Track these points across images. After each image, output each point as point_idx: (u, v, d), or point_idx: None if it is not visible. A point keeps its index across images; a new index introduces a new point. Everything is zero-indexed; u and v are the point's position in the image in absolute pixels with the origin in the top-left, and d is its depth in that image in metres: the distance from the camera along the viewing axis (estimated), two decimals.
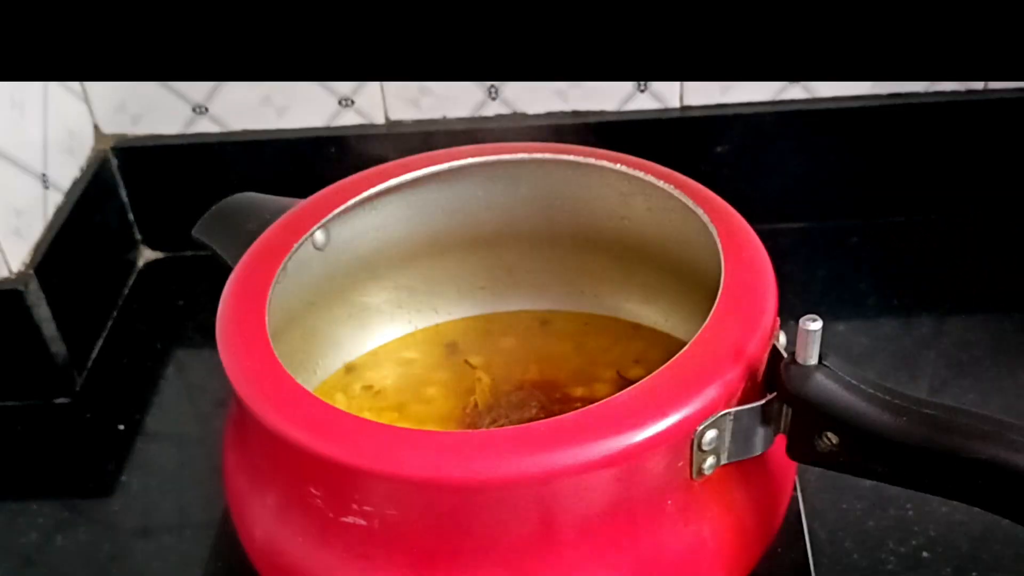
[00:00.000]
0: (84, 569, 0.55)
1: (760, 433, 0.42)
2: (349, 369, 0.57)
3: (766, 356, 0.42)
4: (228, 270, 0.48)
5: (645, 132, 0.69)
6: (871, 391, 0.40)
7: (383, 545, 0.40)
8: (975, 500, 0.39)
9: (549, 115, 0.69)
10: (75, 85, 0.69)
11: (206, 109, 0.70)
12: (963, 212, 0.71)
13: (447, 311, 0.59)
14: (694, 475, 0.41)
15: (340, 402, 0.54)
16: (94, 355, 0.68)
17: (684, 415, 0.39)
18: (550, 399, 0.53)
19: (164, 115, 0.71)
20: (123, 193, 0.73)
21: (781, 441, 0.43)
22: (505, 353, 0.57)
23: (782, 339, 0.44)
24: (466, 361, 0.56)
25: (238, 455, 0.46)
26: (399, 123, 0.70)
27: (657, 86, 0.68)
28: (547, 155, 0.52)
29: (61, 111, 0.67)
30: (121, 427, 0.63)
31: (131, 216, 0.74)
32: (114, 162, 0.72)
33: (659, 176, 0.50)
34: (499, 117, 0.70)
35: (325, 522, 0.41)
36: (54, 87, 0.67)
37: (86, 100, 0.70)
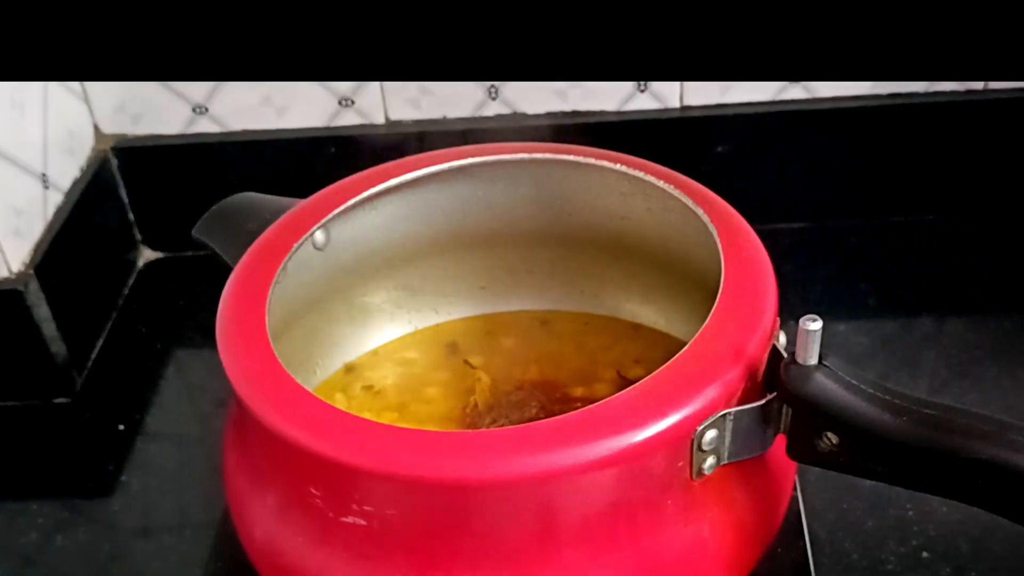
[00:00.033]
0: (84, 569, 0.55)
1: (760, 433, 0.42)
2: (349, 369, 0.57)
3: (766, 356, 0.42)
4: (228, 270, 0.48)
5: (645, 132, 0.69)
6: (871, 391, 0.40)
7: (383, 545, 0.40)
8: (975, 500, 0.39)
9: (549, 115, 0.69)
10: (75, 85, 0.69)
11: (206, 109, 0.70)
12: (963, 212, 0.71)
13: (447, 311, 0.59)
14: (694, 475, 0.41)
15: (340, 402, 0.54)
16: (94, 355, 0.68)
17: (684, 415, 0.39)
18: (550, 399, 0.53)
19: (164, 115, 0.71)
20: (123, 193, 0.73)
21: (781, 441, 0.43)
22: (505, 353, 0.57)
23: (782, 339, 0.44)
24: (466, 361, 0.56)
25: (238, 455, 0.46)
26: (399, 123, 0.70)
27: (657, 86, 0.68)
28: (547, 155, 0.52)
29: (61, 111, 0.67)
30: (121, 427, 0.63)
31: (131, 216, 0.74)
32: (114, 162, 0.72)
33: (659, 176, 0.50)
34: (499, 117, 0.70)
35: (325, 522, 0.41)
36: (54, 87, 0.67)
37: (86, 100, 0.70)
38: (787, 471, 0.46)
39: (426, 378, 0.56)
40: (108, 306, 0.71)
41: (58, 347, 0.64)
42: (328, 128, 0.71)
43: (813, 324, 0.39)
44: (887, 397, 0.39)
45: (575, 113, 0.69)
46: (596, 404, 0.39)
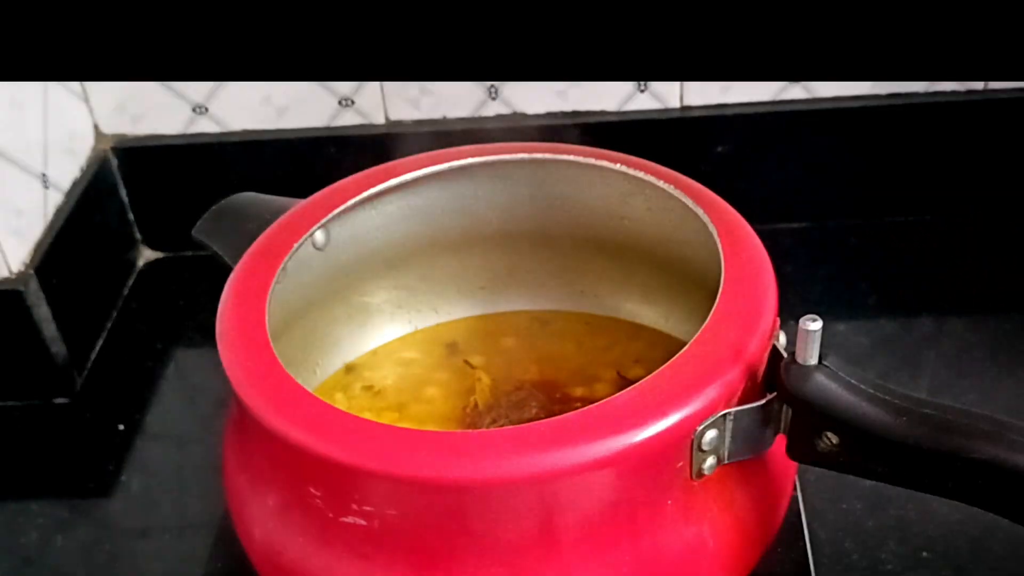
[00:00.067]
0: (84, 569, 0.55)
1: (760, 433, 0.42)
2: (349, 369, 0.57)
3: (766, 356, 0.42)
4: (228, 270, 0.48)
5: (645, 132, 0.69)
6: (871, 391, 0.40)
7: (383, 545, 0.40)
8: (975, 500, 0.39)
9: (549, 115, 0.69)
10: (75, 85, 0.69)
11: (206, 109, 0.70)
12: (963, 212, 0.71)
13: (447, 311, 0.59)
14: (694, 475, 0.41)
15: (340, 402, 0.54)
16: (94, 355, 0.68)
17: (684, 415, 0.39)
18: (550, 399, 0.53)
19: (164, 115, 0.71)
20: (123, 193, 0.73)
21: (781, 441, 0.43)
22: (505, 353, 0.57)
23: (782, 339, 0.44)
24: (466, 361, 0.56)
25: (238, 455, 0.46)
26: (399, 123, 0.70)
27: (657, 86, 0.68)
28: (547, 155, 0.52)
29: (61, 111, 0.67)
30: (121, 427, 0.63)
31: (131, 216, 0.74)
32: (114, 162, 0.72)
33: (659, 176, 0.50)
34: (499, 117, 0.70)
35: (325, 522, 0.41)
36: (54, 87, 0.67)
37: (86, 100, 0.70)
38: (787, 471, 0.46)
39: (426, 378, 0.56)
40: (108, 306, 0.71)
41: (58, 347, 0.64)
42: (328, 128, 0.71)
43: (813, 324, 0.39)
44: (887, 397, 0.39)
45: (575, 113, 0.69)
46: (596, 404, 0.39)
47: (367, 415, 0.52)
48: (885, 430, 0.39)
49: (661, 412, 0.39)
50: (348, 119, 0.70)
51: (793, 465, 0.45)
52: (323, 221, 0.50)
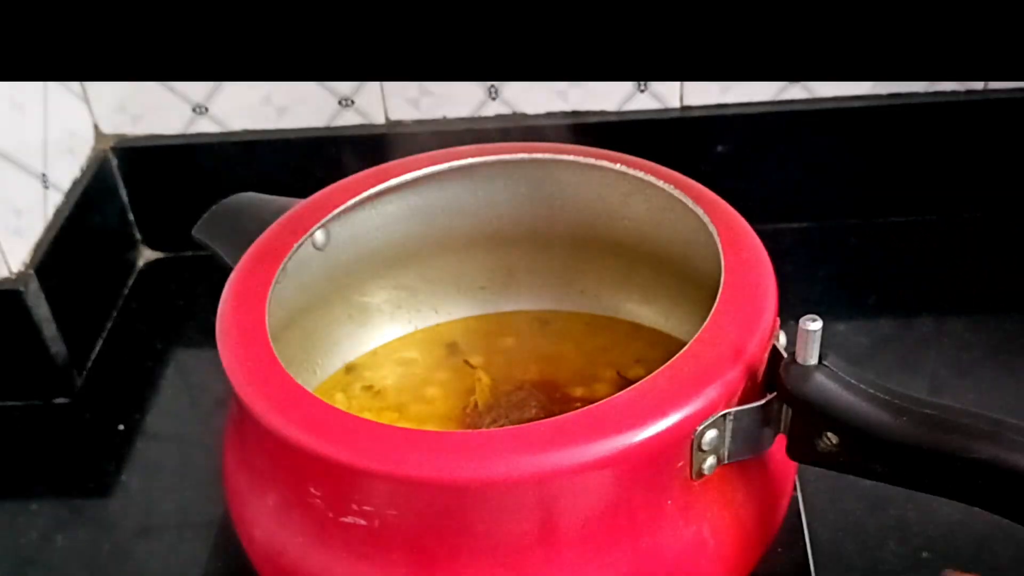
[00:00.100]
0: (84, 569, 0.55)
1: (760, 433, 0.42)
2: (349, 369, 0.57)
3: (766, 356, 0.42)
4: (228, 270, 0.48)
5: (645, 132, 0.69)
6: (871, 391, 0.40)
7: (383, 545, 0.40)
8: (975, 500, 0.39)
9: (549, 115, 0.69)
10: (75, 85, 0.69)
11: (206, 109, 0.70)
12: (963, 212, 0.71)
13: (447, 311, 0.59)
14: (694, 475, 0.41)
15: (340, 402, 0.54)
16: (94, 355, 0.68)
17: (684, 415, 0.39)
18: (550, 399, 0.53)
19: (164, 115, 0.71)
20: (123, 193, 0.73)
21: (781, 441, 0.43)
22: (505, 353, 0.57)
23: (782, 339, 0.44)
24: (466, 361, 0.56)
25: (238, 455, 0.46)
26: (399, 123, 0.70)
27: (657, 86, 0.68)
28: (547, 155, 0.52)
29: (61, 111, 0.67)
30: (121, 427, 0.63)
31: (131, 216, 0.74)
32: (114, 162, 0.72)
33: (659, 176, 0.50)
34: (499, 117, 0.70)
35: (325, 522, 0.41)
36: (54, 87, 0.67)
37: (86, 100, 0.70)
38: (787, 471, 0.46)
39: (426, 378, 0.56)
40: (108, 306, 0.71)
41: (58, 347, 0.64)
42: (328, 128, 0.71)
43: (813, 324, 0.39)
44: (887, 397, 0.39)
45: (575, 113, 0.69)
46: (596, 404, 0.39)
47: (367, 415, 0.52)
48: (885, 430, 0.39)
49: (661, 412, 0.39)
50: (348, 119, 0.70)
51: (793, 465, 0.45)
52: (323, 221, 0.50)
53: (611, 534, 0.40)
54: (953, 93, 0.68)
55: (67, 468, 0.61)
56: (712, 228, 0.47)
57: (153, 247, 0.76)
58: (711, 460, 0.41)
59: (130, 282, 0.73)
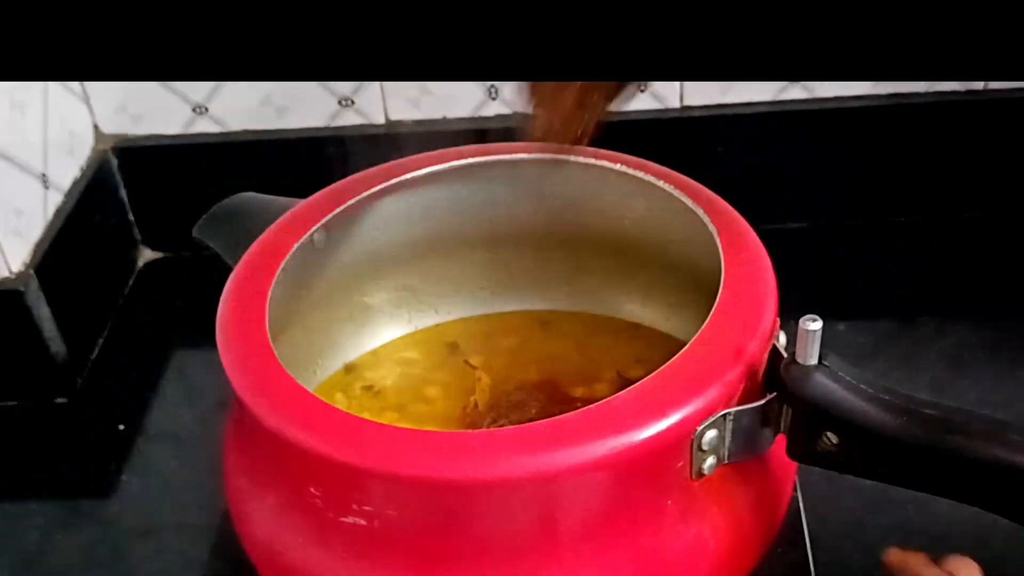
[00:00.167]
0: (84, 569, 0.55)
1: (760, 433, 0.42)
2: (349, 369, 0.57)
3: (766, 356, 0.42)
4: (228, 270, 0.49)
5: (645, 132, 0.69)
6: (871, 391, 0.40)
7: (383, 545, 0.40)
8: (975, 500, 0.39)
9: None
10: (75, 85, 0.69)
11: (206, 109, 0.70)
12: (963, 212, 0.71)
13: (447, 311, 0.59)
14: (694, 475, 0.41)
15: (340, 402, 0.54)
16: (94, 355, 0.68)
17: (684, 415, 0.39)
18: (550, 399, 0.53)
19: (164, 115, 0.71)
20: (123, 193, 0.73)
21: (781, 441, 0.43)
22: (505, 353, 0.57)
23: (782, 339, 0.44)
24: (466, 361, 0.56)
25: (238, 455, 0.46)
26: (399, 123, 0.70)
27: (657, 86, 0.68)
28: (547, 155, 0.52)
29: (61, 111, 0.67)
30: (121, 427, 0.63)
31: (131, 216, 0.74)
32: (114, 162, 0.72)
33: (659, 176, 0.50)
34: (499, 117, 0.70)
35: (325, 522, 0.41)
36: (54, 87, 0.67)
37: (86, 100, 0.70)
38: (787, 471, 0.46)
39: (426, 378, 0.56)
40: (108, 306, 0.71)
41: (58, 347, 0.64)
42: (328, 128, 0.71)
43: (813, 324, 0.39)
44: (887, 397, 0.39)
45: None
46: (596, 404, 0.39)
47: (367, 415, 0.52)
48: (885, 430, 0.39)
49: (661, 412, 0.39)
50: (348, 119, 0.70)
51: (793, 465, 0.45)
52: (323, 221, 0.50)
53: (611, 534, 0.40)
54: (953, 93, 0.68)
55: (67, 468, 0.61)
56: (712, 228, 0.47)
57: (153, 247, 0.76)
58: (711, 460, 0.41)
59: (130, 282, 0.73)
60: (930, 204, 0.71)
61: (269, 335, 0.44)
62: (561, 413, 0.39)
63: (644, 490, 0.40)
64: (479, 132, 0.69)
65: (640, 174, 0.51)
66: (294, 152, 0.71)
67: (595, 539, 0.40)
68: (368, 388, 0.55)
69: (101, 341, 0.69)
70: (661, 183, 0.50)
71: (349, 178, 0.53)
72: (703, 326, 0.42)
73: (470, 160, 0.53)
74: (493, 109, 0.69)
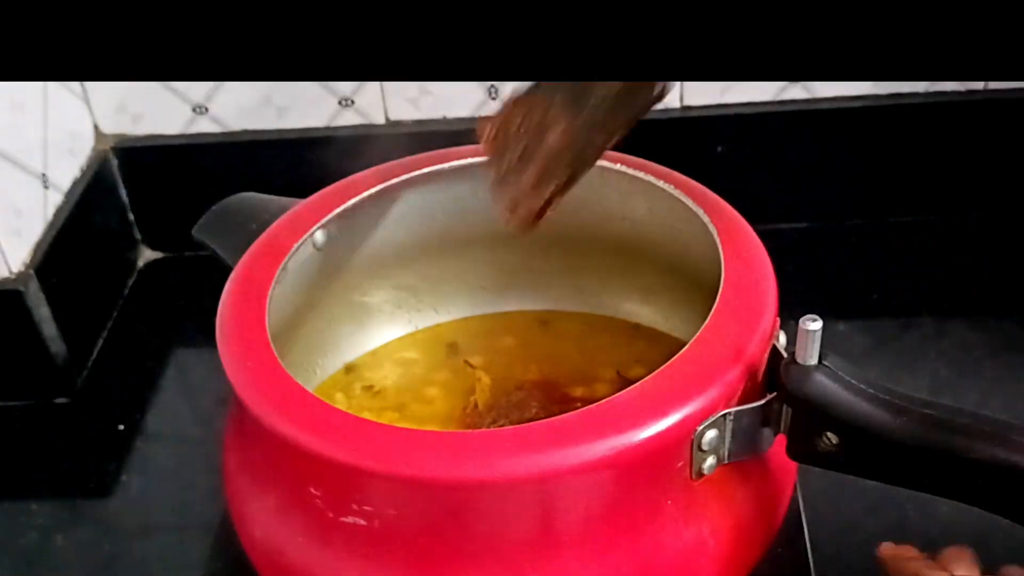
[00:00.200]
0: (84, 569, 0.55)
1: (760, 433, 0.42)
2: (349, 369, 0.57)
3: (766, 356, 0.42)
4: (228, 270, 0.49)
5: (645, 132, 0.69)
6: (871, 391, 0.40)
7: (383, 545, 0.40)
8: (975, 500, 0.39)
9: None
10: (75, 85, 0.69)
11: (206, 109, 0.70)
12: (963, 212, 0.71)
13: (447, 311, 0.59)
14: (694, 475, 0.41)
15: (340, 402, 0.54)
16: (94, 355, 0.68)
17: (684, 415, 0.39)
18: (550, 399, 0.53)
19: (164, 115, 0.71)
20: (123, 193, 0.73)
21: (781, 441, 0.43)
22: (505, 353, 0.57)
23: (782, 339, 0.44)
24: (466, 361, 0.56)
25: (238, 455, 0.46)
26: (399, 123, 0.70)
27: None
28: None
29: (61, 111, 0.67)
30: (121, 427, 0.63)
31: (131, 216, 0.74)
32: (114, 162, 0.72)
33: (659, 176, 0.50)
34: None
35: (325, 522, 0.41)
36: (54, 87, 0.67)
37: (86, 100, 0.70)
38: (787, 471, 0.46)
39: (426, 378, 0.56)
40: (108, 306, 0.71)
41: (58, 347, 0.64)
42: (328, 128, 0.71)
43: (813, 324, 0.39)
44: (887, 397, 0.39)
45: None
46: (596, 404, 0.39)
47: (367, 415, 0.52)
48: (885, 430, 0.39)
49: (661, 412, 0.39)
50: (348, 119, 0.70)
51: (793, 465, 0.45)
52: (323, 221, 0.50)
53: (611, 534, 0.40)
54: (953, 93, 0.68)
55: (67, 468, 0.61)
56: (712, 228, 0.47)
57: (153, 247, 0.76)
58: (711, 460, 0.41)
59: (130, 282, 0.73)
60: (930, 204, 0.71)
61: (269, 335, 0.44)
62: (561, 413, 0.39)
63: (644, 490, 0.40)
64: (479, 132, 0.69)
65: (640, 174, 0.51)
66: (294, 152, 0.71)
67: (595, 539, 0.40)
68: (368, 388, 0.55)
69: (101, 341, 0.69)
70: (661, 183, 0.50)
71: (349, 178, 0.53)
72: (703, 326, 0.42)
73: (470, 160, 0.53)
74: (493, 109, 0.69)
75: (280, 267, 0.47)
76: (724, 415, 0.40)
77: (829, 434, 0.40)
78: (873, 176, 0.71)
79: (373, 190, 0.52)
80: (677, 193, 0.49)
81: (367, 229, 0.54)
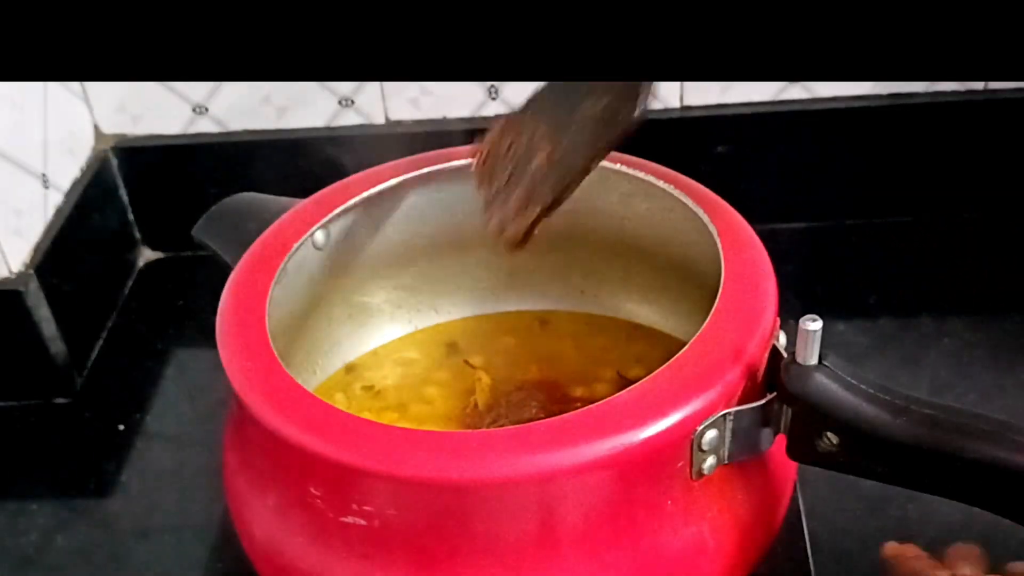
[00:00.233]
0: (84, 569, 0.55)
1: (760, 433, 0.42)
2: (349, 369, 0.57)
3: (766, 356, 0.42)
4: (228, 270, 0.48)
5: (645, 132, 0.69)
6: (871, 391, 0.40)
7: (383, 545, 0.40)
8: (975, 500, 0.39)
9: None
10: (75, 85, 0.69)
11: (206, 109, 0.70)
12: (963, 212, 0.71)
13: (447, 311, 0.59)
14: (694, 475, 0.41)
15: (340, 402, 0.54)
16: (94, 355, 0.68)
17: (684, 415, 0.39)
18: (550, 399, 0.53)
19: (164, 115, 0.71)
20: (123, 193, 0.73)
21: (781, 441, 0.43)
22: (505, 353, 0.57)
23: (782, 339, 0.44)
24: (466, 361, 0.56)
25: (238, 455, 0.46)
26: (399, 123, 0.70)
27: (657, 86, 0.68)
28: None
29: (61, 111, 0.67)
30: (121, 427, 0.63)
31: (131, 216, 0.74)
32: (114, 162, 0.72)
33: (659, 176, 0.50)
34: (499, 117, 0.69)
35: (325, 522, 0.41)
36: (54, 87, 0.67)
37: (86, 100, 0.70)
38: (787, 471, 0.46)
39: (426, 378, 0.56)
40: (108, 306, 0.71)
41: (58, 347, 0.64)
42: (328, 128, 0.71)
43: (813, 324, 0.39)
44: (887, 397, 0.39)
45: None
46: (596, 404, 0.39)
47: (367, 415, 0.52)
48: (885, 430, 0.39)
49: (661, 412, 0.39)
50: (348, 119, 0.70)
51: (793, 465, 0.45)
52: (323, 221, 0.50)
53: (611, 534, 0.40)
54: (953, 93, 0.68)
55: (67, 468, 0.61)
56: (712, 228, 0.47)
57: (153, 247, 0.76)
58: (711, 460, 0.41)
59: (130, 282, 0.73)
60: (930, 204, 0.71)
61: (269, 335, 0.44)
62: (561, 413, 0.39)
63: (644, 490, 0.40)
64: (479, 132, 0.69)
65: (640, 174, 0.51)
66: (294, 152, 0.71)
67: (595, 539, 0.40)
68: (368, 388, 0.55)
69: (101, 341, 0.69)
70: (661, 183, 0.50)
71: (349, 178, 0.53)
72: (703, 326, 0.42)
73: (470, 160, 0.53)
74: (493, 109, 0.69)
75: (280, 267, 0.47)
76: (724, 415, 0.40)
77: (829, 434, 0.40)
78: (873, 176, 0.71)
79: (373, 190, 0.52)
80: (677, 193, 0.49)
81: (367, 229, 0.54)
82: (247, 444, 0.45)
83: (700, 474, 0.41)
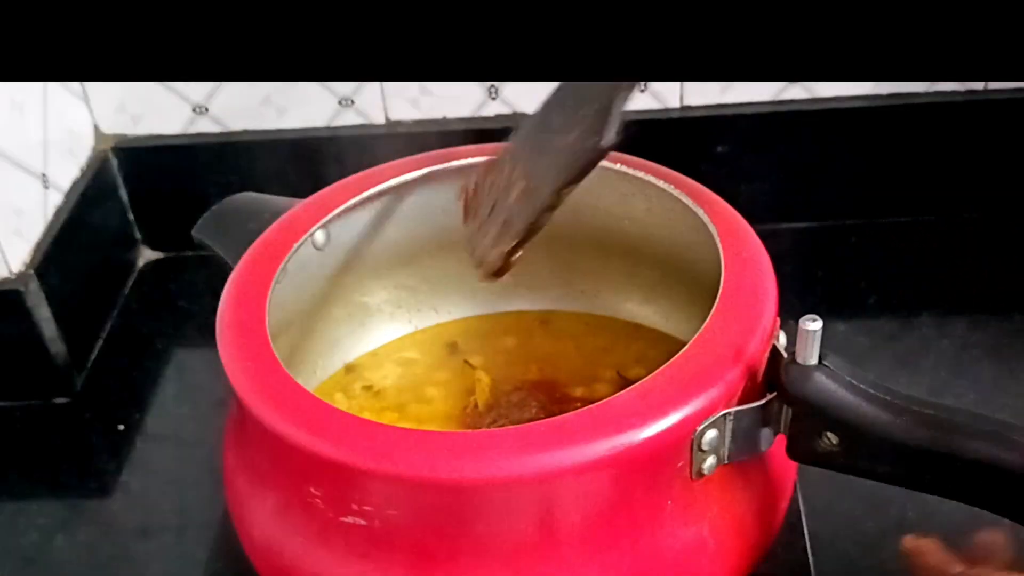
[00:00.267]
0: (84, 569, 0.55)
1: (760, 433, 0.42)
2: (349, 369, 0.57)
3: (766, 356, 0.42)
4: (228, 270, 0.49)
5: (645, 132, 0.69)
6: (871, 391, 0.40)
7: (383, 545, 0.40)
8: (975, 500, 0.39)
9: None
10: (75, 85, 0.69)
11: (206, 109, 0.70)
12: (963, 212, 0.71)
13: (447, 311, 0.59)
14: (694, 475, 0.41)
15: (340, 402, 0.54)
16: (94, 355, 0.68)
17: (684, 415, 0.39)
18: (550, 399, 0.53)
19: (164, 115, 0.71)
20: (123, 193, 0.73)
21: (781, 441, 0.43)
22: (505, 353, 0.57)
23: (782, 339, 0.44)
24: (466, 361, 0.56)
25: (238, 455, 0.46)
26: (399, 123, 0.70)
27: (657, 86, 0.68)
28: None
29: (61, 111, 0.67)
30: (121, 427, 0.63)
31: (131, 216, 0.74)
32: (114, 162, 0.72)
33: (659, 176, 0.50)
34: (499, 117, 0.70)
35: (325, 522, 0.41)
36: (54, 87, 0.67)
37: (86, 100, 0.70)
38: (787, 471, 0.46)
39: (426, 378, 0.56)
40: (108, 306, 0.71)
41: (58, 347, 0.64)
42: (328, 128, 0.71)
43: (813, 324, 0.39)
44: (887, 397, 0.39)
45: None
46: (596, 404, 0.39)
47: (367, 415, 0.52)
48: (885, 430, 0.39)
49: (661, 412, 0.39)
50: (348, 119, 0.70)
51: (793, 465, 0.45)
52: (323, 221, 0.50)
53: (611, 534, 0.40)
54: (953, 93, 0.68)
55: (67, 468, 0.61)
56: (712, 228, 0.47)
57: (153, 247, 0.76)
58: (711, 460, 0.41)
59: (130, 282, 0.73)
60: (930, 204, 0.71)
61: (269, 335, 0.44)
62: (561, 413, 0.39)
63: (644, 490, 0.40)
64: (479, 132, 0.69)
65: (640, 174, 0.51)
66: (294, 152, 0.71)
67: (595, 539, 0.40)
68: (368, 388, 0.55)
69: (101, 341, 0.69)
70: (661, 183, 0.50)
71: (349, 178, 0.53)
72: (703, 326, 0.42)
73: (470, 160, 0.53)
74: (493, 109, 0.69)
75: (280, 267, 0.47)
76: (724, 415, 0.40)
77: (829, 434, 0.40)
78: (873, 176, 0.71)
79: (373, 190, 0.52)
80: (677, 193, 0.49)
81: (367, 229, 0.54)
82: (247, 444, 0.45)
83: (700, 474, 0.41)
